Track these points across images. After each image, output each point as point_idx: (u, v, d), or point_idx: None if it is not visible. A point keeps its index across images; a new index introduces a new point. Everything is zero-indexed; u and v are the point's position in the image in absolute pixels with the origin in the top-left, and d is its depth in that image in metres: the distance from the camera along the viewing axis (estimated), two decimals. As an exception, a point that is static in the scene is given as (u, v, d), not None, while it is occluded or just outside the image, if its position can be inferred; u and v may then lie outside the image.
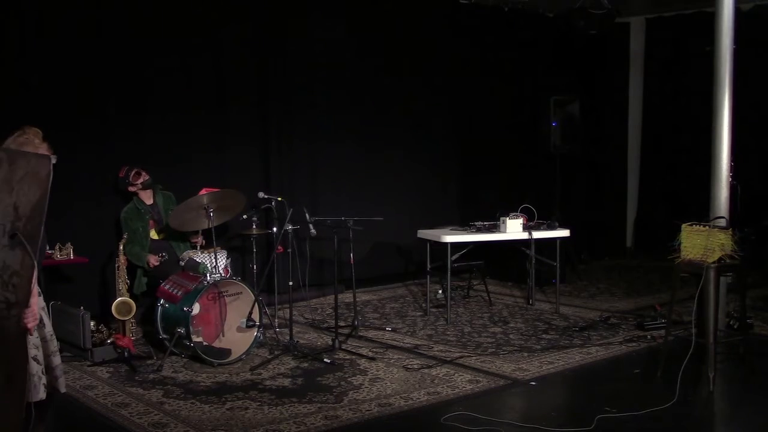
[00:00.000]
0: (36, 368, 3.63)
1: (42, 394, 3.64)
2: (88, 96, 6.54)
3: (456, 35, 9.18)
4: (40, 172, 3.37)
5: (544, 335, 6.45)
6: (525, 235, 7.12)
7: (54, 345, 3.80)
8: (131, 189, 6.33)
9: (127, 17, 6.74)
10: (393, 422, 4.54)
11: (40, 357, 3.68)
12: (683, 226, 5.21)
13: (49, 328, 3.79)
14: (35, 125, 6.49)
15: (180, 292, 5.71)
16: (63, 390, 3.88)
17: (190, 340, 5.51)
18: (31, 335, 3.50)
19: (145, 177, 6.35)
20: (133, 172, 6.32)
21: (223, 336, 5.79)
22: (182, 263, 6.20)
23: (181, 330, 5.54)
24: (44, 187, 3.38)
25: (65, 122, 6.46)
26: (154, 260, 6.21)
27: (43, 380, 3.65)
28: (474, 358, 5.77)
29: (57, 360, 3.81)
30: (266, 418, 4.57)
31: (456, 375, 5.36)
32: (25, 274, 3.29)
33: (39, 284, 3.79)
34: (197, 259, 6.13)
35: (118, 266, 6.03)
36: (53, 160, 3.36)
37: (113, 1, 6.70)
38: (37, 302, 3.68)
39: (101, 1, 6.65)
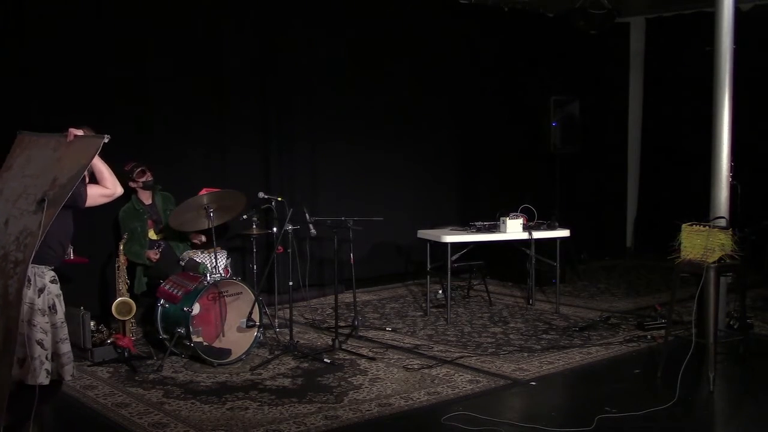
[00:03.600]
0: (39, 352, 3.66)
1: (43, 379, 3.66)
2: (87, 95, 6.53)
3: (456, 35, 9.18)
4: (89, 149, 3.79)
5: (544, 335, 6.45)
6: (525, 235, 7.12)
7: (64, 332, 3.83)
8: (132, 185, 6.31)
9: (127, 16, 6.74)
10: (393, 422, 4.55)
11: (47, 342, 3.71)
12: (683, 226, 5.22)
13: (60, 315, 3.82)
14: (34, 124, 6.55)
15: (180, 292, 5.71)
16: (68, 378, 3.91)
17: (190, 340, 5.51)
18: None
19: (148, 177, 6.34)
20: (138, 170, 6.31)
21: (223, 336, 5.79)
22: (182, 263, 6.20)
23: (181, 330, 5.54)
24: (86, 162, 3.74)
25: (64, 122, 6.45)
26: (153, 254, 6.20)
27: (46, 366, 3.68)
28: (474, 358, 5.77)
29: (65, 347, 3.83)
30: (266, 418, 4.57)
31: (456, 375, 5.36)
32: (37, 233, 3.48)
33: (58, 272, 3.86)
34: (197, 259, 6.14)
35: (118, 266, 6.03)
36: (106, 140, 3.74)
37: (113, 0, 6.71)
38: (55, 289, 3.73)
39: (102, 0, 6.65)
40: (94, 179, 4.08)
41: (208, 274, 5.85)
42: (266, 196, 6.59)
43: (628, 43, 10.68)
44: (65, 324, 3.86)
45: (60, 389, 4.01)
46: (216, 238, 5.98)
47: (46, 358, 3.70)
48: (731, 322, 6.32)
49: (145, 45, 6.87)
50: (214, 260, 5.96)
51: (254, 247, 6.60)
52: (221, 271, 6.05)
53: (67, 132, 3.99)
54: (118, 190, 4.12)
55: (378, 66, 8.49)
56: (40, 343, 3.67)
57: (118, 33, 6.69)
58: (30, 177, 3.85)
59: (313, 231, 6.19)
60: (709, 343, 5.06)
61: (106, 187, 4.03)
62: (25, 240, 3.59)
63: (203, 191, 6.13)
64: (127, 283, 6.06)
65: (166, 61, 7.03)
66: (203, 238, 6.43)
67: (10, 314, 3.53)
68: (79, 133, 3.98)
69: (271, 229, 6.92)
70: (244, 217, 6.47)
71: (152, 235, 6.39)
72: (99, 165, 4.01)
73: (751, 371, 5.48)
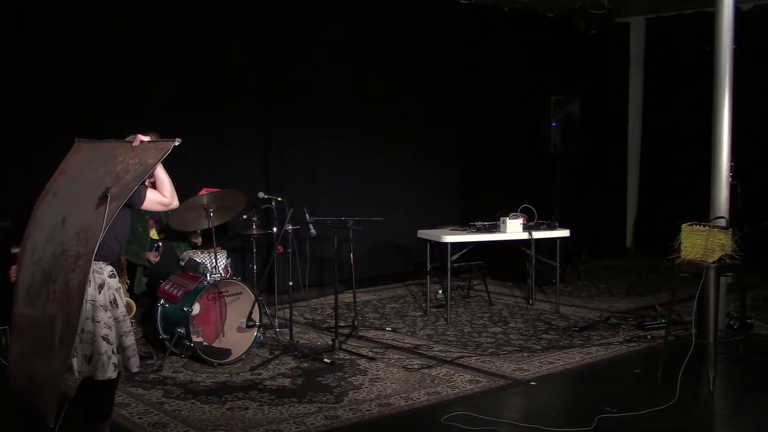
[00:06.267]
0: (105, 347, 3.72)
1: (111, 373, 3.74)
2: (87, 96, 6.54)
3: (456, 35, 9.18)
4: (158, 151, 3.93)
5: (544, 335, 6.45)
6: (525, 235, 7.12)
7: (126, 325, 3.90)
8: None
9: (127, 16, 6.74)
10: (393, 422, 4.55)
11: (112, 337, 3.77)
12: (683, 226, 5.21)
13: (122, 308, 3.88)
14: (33, 124, 6.55)
15: (180, 292, 5.71)
16: (135, 369, 3.97)
17: (190, 340, 5.51)
18: None
19: None
20: None
21: (223, 336, 5.79)
22: (182, 263, 6.20)
23: (181, 330, 5.54)
24: (153, 161, 3.87)
25: (64, 122, 6.46)
26: (152, 257, 6.19)
27: (113, 360, 3.74)
28: (474, 358, 5.77)
29: (129, 340, 3.89)
30: (266, 418, 4.57)
31: (456, 375, 5.36)
32: (99, 227, 3.57)
33: (117, 268, 3.96)
34: (197, 259, 6.14)
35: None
36: (176, 143, 3.90)
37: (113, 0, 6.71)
38: (114, 284, 3.81)
39: (101, 0, 6.65)
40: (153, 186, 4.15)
41: (208, 274, 5.85)
42: (266, 196, 6.58)
43: (628, 43, 10.68)
44: (127, 317, 3.92)
45: (118, 381, 4.06)
46: (216, 238, 5.98)
47: (113, 352, 3.75)
48: (731, 322, 6.32)
49: (145, 45, 6.87)
50: (214, 260, 5.96)
51: (254, 247, 6.60)
52: (221, 271, 6.05)
53: (132, 138, 4.06)
54: (175, 202, 4.18)
55: (378, 66, 8.49)
56: (106, 339, 3.72)
57: (118, 32, 6.70)
58: (89, 178, 3.91)
59: (313, 231, 6.19)
60: (709, 343, 5.06)
61: (164, 196, 4.09)
62: (86, 234, 3.62)
63: (203, 191, 6.13)
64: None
65: (166, 60, 7.02)
66: (199, 239, 6.42)
67: (71, 306, 3.55)
68: (146, 139, 4.06)
69: (271, 229, 6.92)
70: (244, 217, 6.47)
71: (153, 234, 6.39)
72: (161, 174, 4.09)
73: (751, 371, 5.49)
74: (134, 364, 3.91)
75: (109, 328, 3.76)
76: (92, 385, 3.85)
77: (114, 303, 3.82)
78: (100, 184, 3.81)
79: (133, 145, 4.01)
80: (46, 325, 3.62)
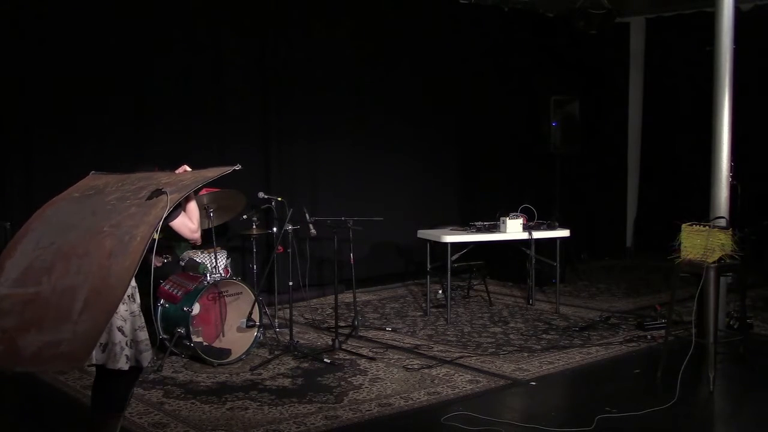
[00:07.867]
0: (120, 338, 3.76)
1: (122, 364, 3.77)
2: (86, 96, 6.54)
3: (456, 35, 9.18)
4: (215, 170, 4.00)
5: (544, 335, 6.45)
6: (525, 235, 7.12)
7: (141, 321, 3.93)
8: None
9: (126, 16, 6.75)
10: (393, 422, 4.55)
11: (126, 329, 3.81)
12: (683, 226, 5.21)
13: (137, 304, 3.92)
14: (33, 125, 6.53)
15: (180, 292, 5.71)
16: (146, 364, 3.98)
17: (190, 340, 5.51)
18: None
19: None
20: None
21: (223, 336, 5.79)
22: (182, 263, 6.20)
23: (181, 330, 5.54)
24: (212, 174, 3.93)
25: (63, 122, 6.47)
26: (157, 261, 6.19)
27: (126, 351, 3.78)
28: (474, 358, 5.77)
29: (143, 335, 3.92)
30: (266, 418, 4.57)
31: (456, 375, 5.36)
32: (155, 213, 3.56)
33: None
34: (197, 259, 6.14)
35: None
36: (237, 167, 3.97)
37: None
38: (132, 281, 3.78)
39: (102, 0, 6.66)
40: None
41: (208, 274, 5.85)
42: (266, 196, 6.58)
43: (628, 43, 10.67)
44: (141, 313, 3.94)
45: (139, 376, 4.06)
46: (216, 238, 5.98)
47: (126, 344, 3.79)
48: (731, 322, 6.32)
49: (144, 44, 6.87)
50: (214, 260, 5.96)
51: (254, 247, 6.60)
52: (221, 271, 6.05)
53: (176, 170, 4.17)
54: (198, 235, 4.27)
55: (378, 66, 8.49)
56: (121, 330, 3.77)
57: (118, 32, 6.70)
58: (125, 188, 3.91)
59: (313, 231, 6.19)
60: (709, 343, 5.06)
61: (192, 223, 4.19)
62: (141, 218, 3.58)
63: (203, 191, 6.12)
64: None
65: (166, 60, 7.03)
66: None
67: (114, 272, 3.40)
68: (189, 169, 4.18)
69: (271, 229, 6.92)
70: (244, 217, 6.47)
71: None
72: (193, 205, 4.21)
73: (751, 371, 5.49)
74: (146, 359, 3.94)
75: (125, 320, 3.81)
76: (105, 374, 3.88)
77: (131, 297, 3.88)
78: (144, 189, 3.78)
79: (177, 171, 4.11)
80: (59, 298, 3.55)
